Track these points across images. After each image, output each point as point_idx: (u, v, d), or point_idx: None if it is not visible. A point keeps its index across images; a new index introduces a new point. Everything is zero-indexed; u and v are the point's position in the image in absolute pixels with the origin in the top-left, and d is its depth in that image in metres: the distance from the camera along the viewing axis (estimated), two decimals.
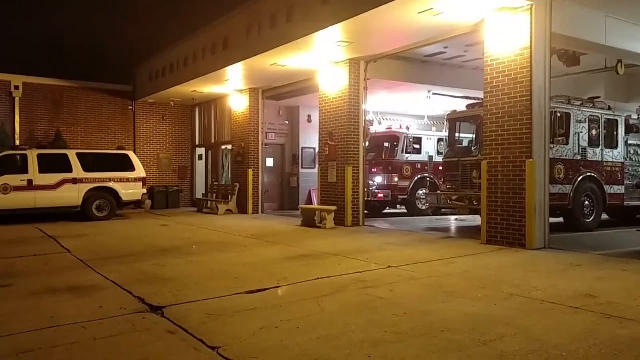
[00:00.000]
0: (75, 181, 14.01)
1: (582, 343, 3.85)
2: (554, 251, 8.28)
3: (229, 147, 18.26)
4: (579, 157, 11.01)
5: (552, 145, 9.57)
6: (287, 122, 18.50)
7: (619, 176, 11.87)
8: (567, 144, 10.78)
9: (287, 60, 12.49)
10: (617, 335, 4.06)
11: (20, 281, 6.33)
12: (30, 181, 13.40)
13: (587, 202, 11.25)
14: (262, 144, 16.86)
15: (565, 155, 10.75)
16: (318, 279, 6.29)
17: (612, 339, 3.95)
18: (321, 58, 12.24)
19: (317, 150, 15.19)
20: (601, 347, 3.78)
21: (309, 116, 18.12)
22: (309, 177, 17.63)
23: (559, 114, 10.42)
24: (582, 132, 11.10)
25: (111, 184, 14.54)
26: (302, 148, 18.35)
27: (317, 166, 14.54)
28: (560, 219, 11.20)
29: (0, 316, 4.78)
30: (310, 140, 17.71)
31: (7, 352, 3.80)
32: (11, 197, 13.12)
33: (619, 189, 11.83)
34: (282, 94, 16.20)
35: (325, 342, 3.95)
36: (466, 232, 11.58)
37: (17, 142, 16.96)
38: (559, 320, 4.50)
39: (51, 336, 4.17)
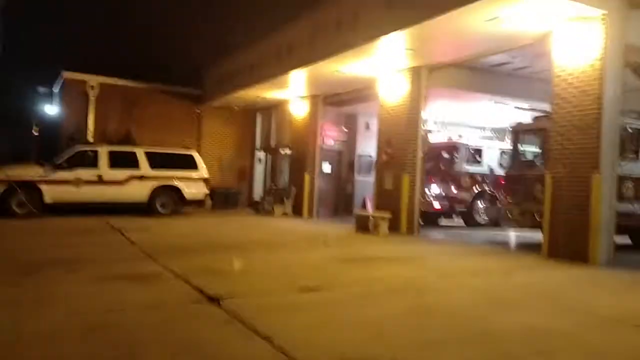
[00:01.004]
0: (142, 178, 14.64)
1: None
2: (618, 269, 7.92)
3: (288, 151, 18.56)
4: None
5: (621, 162, 9.17)
6: (345, 129, 18.59)
7: None
8: (638, 160, 10.28)
9: (348, 66, 12.59)
10: None
11: (87, 267, 6.69)
12: (100, 176, 14.11)
13: None
14: (320, 150, 17.02)
15: (636, 173, 10.25)
16: (370, 281, 6.31)
17: None
18: (383, 65, 12.26)
19: (373, 157, 15.17)
20: None
21: (367, 123, 18.14)
22: (364, 184, 17.60)
23: (630, 129, 9.96)
24: None
25: (176, 182, 15.09)
26: (359, 155, 18.38)
27: (372, 174, 14.52)
28: (627, 239, 10.68)
29: (69, 297, 5.10)
30: (367, 147, 17.71)
31: (74, 328, 4.06)
32: (82, 190, 13.85)
33: None
34: (341, 101, 16.31)
35: (377, 340, 3.97)
36: (527, 246, 11.24)
37: (90, 139, 17.92)
38: (621, 338, 4.33)
39: (114, 317, 4.42)
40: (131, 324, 4.25)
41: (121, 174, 14.37)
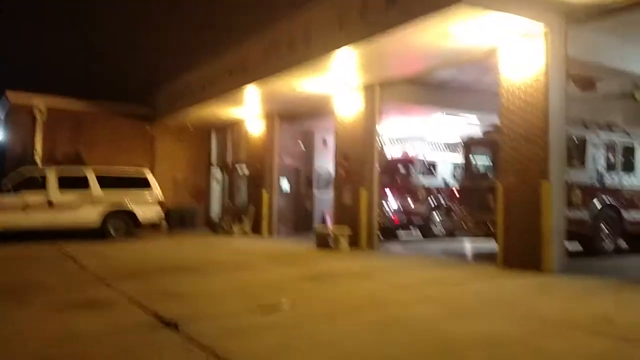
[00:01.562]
0: (93, 201, 14.21)
1: None
2: (570, 275, 8.16)
3: (245, 169, 18.43)
4: (596, 182, 10.92)
5: (568, 169, 9.53)
6: (302, 146, 18.63)
7: (637, 202, 11.72)
8: (584, 168, 10.72)
9: (303, 83, 12.66)
10: (634, 358, 4.00)
11: (37, 296, 6.41)
12: (49, 200, 13.62)
13: (604, 228, 11.11)
14: (278, 167, 16.98)
15: (582, 180, 10.66)
16: (332, 299, 6.29)
17: None
18: (337, 83, 12.40)
19: (331, 173, 15.25)
20: None
21: (324, 140, 18.24)
22: (323, 199, 17.64)
23: (575, 139, 10.38)
24: (599, 157, 11.03)
25: (129, 205, 14.71)
26: (317, 171, 18.44)
27: (331, 189, 14.58)
28: (578, 245, 11.05)
29: (18, 329, 4.85)
30: (325, 163, 17.79)
31: None
32: (31, 215, 13.32)
33: (636, 215, 11.67)
34: (298, 117, 16.38)
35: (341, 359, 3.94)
36: (482, 256, 11.49)
37: (38, 162, 17.30)
38: (575, 343, 4.44)
39: (68, 349, 4.23)
40: (83, 354, 4.08)
41: (71, 197, 13.92)
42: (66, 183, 14.03)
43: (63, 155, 18.08)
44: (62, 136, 18.32)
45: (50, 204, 13.57)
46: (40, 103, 17.88)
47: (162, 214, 15.46)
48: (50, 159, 17.65)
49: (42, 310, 5.66)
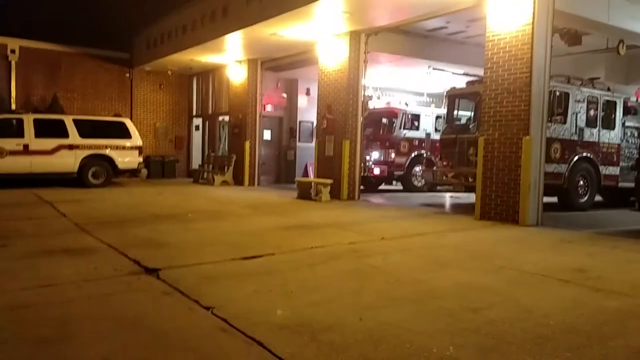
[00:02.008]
0: (71, 147, 13.97)
1: (569, 313, 3.93)
2: (546, 228, 8.36)
3: (227, 118, 18.18)
4: (575, 137, 11.03)
5: (549, 124, 9.59)
6: (285, 95, 18.39)
7: (615, 157, 11.91)
8: (565, 123, 10.79)
9: (287, 30, 12.36)
10: (604, 306, 4.14)
11: (15, 242, 6.34)
12: (26, 146, 13.35)
13: (581, 182, 11.31)
14: (260, 116, 16.79)
15: (562, 135, 10.76)
16: (312, 247, 6.35)
17: (599, 310, 4.03)
18: (321, 29, 12.12)
19: (314, 124, 15.14)
20: (588, 317, 3.85)
21: (308, 89, 18.02)
22: (306, 150, 17.60)
23: (557, 93, 10.40)
24: (580, 112, 11.09)
25: (107, 151, 14.49)
26: (300, 121, 18.29)
27: (314, 140, 14.51)
28: (555, 198, 11.27)
29: None
30: (309, 113, 17.64)
31: (2, 307, 3.84)
32: (6, 161, 13.06)
33: (614, 170, 11.88)
34: (281, 65, 16.07)
35: (317, 305, 4.01)
36: (461, 209, 11.67)
37: (13, 107, 16.83)
38: (548, 292, 4.57)
39: (46, 294, 4.22)
40: (63, 300, 4.07)
41: (49, 143, 13.64)
42: (44, 129, 13.72)
43: (39, 99, 17.59)
44: (38, 80, 17.76)
45: (26, 149, 13.30)
46: (12, 43, 17.20)
47: (141, 161, 15.28)
48: (26, 103, 17.17)
49: (19, 256, 5.61)
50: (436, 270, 5.28)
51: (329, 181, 12.32)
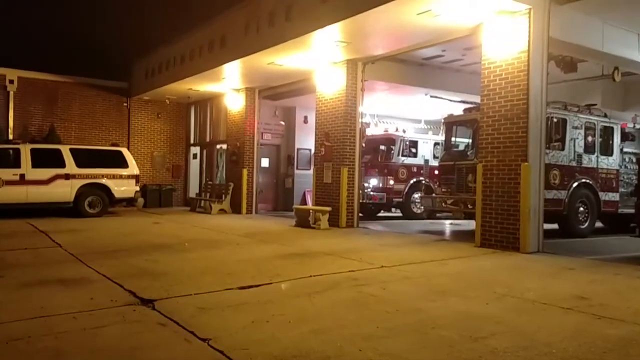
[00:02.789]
0: (67, 177, 13.92)
1: (572, 341, 3.84)
2: (547, 255, 8.28)
3: (224, 146, 18.20)
4: (574, 163, 11.03)
5: (547, 151, 9.60)
6: (283, 123, 18.47)
7: (614, 183, 11.90)
8: (563, 149, 10.81)
9: (284, 59, 12.47)
10: (606, 334, 4.06)
11: (11, 273, 6.26)
12: (22, 175, 13.31)
13: (581, 209, 11.27)
14: (258, 144, 16.82)
15: (561, 161, 10.76)
16: (311, 276, 6.26)
17: (601, 338, 3.94)
18: (319, 58, 12.23)
19: (312, 151, 15.16)
20: (590, 345, 3.77)
21: (305, 117, 18.09)
22: (304, 178, 17.58)
23: (555, 120, 10.45)
24: (578, 139, 11.12)
25: (104, 181, 14.45)
26: (298, 149, 18.31)
27: (312, 167, 14.50)
28: (555, 225, 11.20)
29: None
30: (306, 141, 17.66)
31: None
32: (2, 191, 13.00)
33: (613, 197, 11.85)
34: (278, 94, 16.17)
35: (316, 335, 3.92)
36: (460, 236, 11.60)
37: (10, 137, 16.85)
38: (550, 320, 4.49)
39: (41, 325, 4.13)
40: (58, 331, 3.98)
41: (45, 173, 13.61)
42: (40, 158, 13.70)
43: (36, 129, 17.63)
44: (35, 110, 17.83)
45: (22, 179, 13.25)
46: (11, 74, 17.32)
47: (138, 190, 15.23)
48: (23, 133, 17.20)
49: (14, 287, 5.52)
50: (436, 299, 5.20)
51: (328, 209, 12.26)
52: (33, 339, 3.78)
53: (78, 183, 14.03)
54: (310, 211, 12.73)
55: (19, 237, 9.96)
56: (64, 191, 13.84)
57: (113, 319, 4.35)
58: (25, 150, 13.59)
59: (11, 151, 13.55)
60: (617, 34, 10.15)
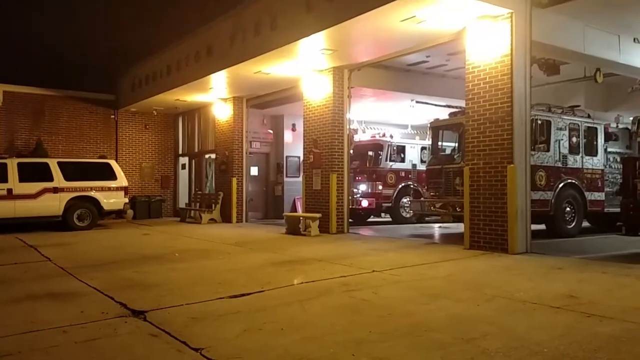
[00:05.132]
0: (55, 190, 13.83)
1: (562, 340, 3.89)
2: (536, 255, 8.36)
3: (213, 155, 18.19)
4: (559, 164, 11.17)
5: (533, 152, 9.71)
6: (271, 131, 18.50)
7: (599, 183, 12.06)
8: (548, 150, 10.94)
9: (271, 68, 12.52)
10: (597, 332, 4.12)
11: None
12: (9, 190, 13.19)
13: (568, 209, 11.40)
14: (247, 153, 16.82)
15: (546, 162, 10.90)
16: (302, 283, 6.28)
17: (592, 336, 4.00)
18: (305, 66, 12.29)
19: (301, 158, 15.19)
20: (581, 343, 3.82)
21: (294, 125, 18.14)
22: (294, 185, 17.60)
23: (539, 121, 10.59)
24: (562, 140, 11.27)
25: (92, 193, 14.36)
26: (287, 157, 18.34)
27: (301, 175, 14.53)
28: (543, 226, 11.31)
29: None
30: (295, 148, 17.71)
31: None
32: None
33: (599, 196, 12.01)
34: (266, 102, 16.20)
35: (309, 342, 3.94)
36: (450, 239, 11.67)
37: None
38: (541, 320, 4.54)
39: (31, 340, 4.11)
40: (49, 345, 3.96)
41: (33, 187, 13.50)
42: (28, 173, 13.60)
43: (23, 143, 17.51)
44: (22, 124, 17.70)
45: (10, 193, 13.14)
46: None
47: (127, 202, 15.16)
48: (9, 147, 17.06)
49: (3, 302, 5.48)
50: (428, 302, 5.23)
51: (318, 215, 12.29)
52: (23, 354, 3.76)
53: (66, 196, 13.94)
54: (301, 218, 12.75)
55: (8, 252, 9.87)
56: (53, 205, 13.74)
57: (104, 331, 4.34)
58: (12, 164, 13.49)
59: None
60: (598, 36, 10.31)
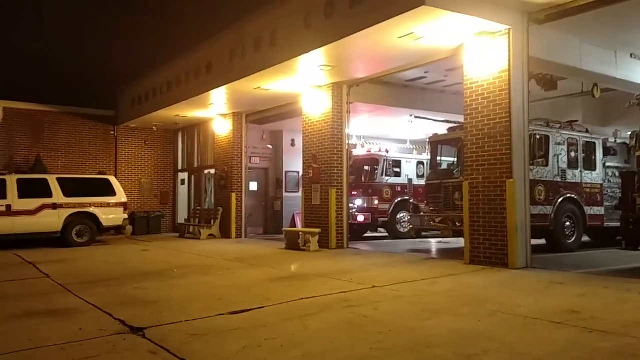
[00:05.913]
0: (55, 206, 13.81)
1: (564, 356, 3.87)
2: (536, 270, 8.34)
3: (212, 171, 18.21)
4: (558, 179, 11.19)
5: (531, 167, 9.73)
6: (270, 146, 18.54)
7: (599, 198, 12.06)
8: (547, 165, 10.97)
9: (270, 84, 12.59)
10: (598, 347, 4.09)
11: None
12: (9, 206, 13.18)
13: (568, 223, 11.39)
14: (246, 168, 16.84)
15: (545, 177, 10.91)
16: (302, 299, 6.25)
17: (593, 352, 3.98)
18: (304, 82, 12.37)
19: (300, 174, 15.21)
20: (583, 359, 3.81)
21: (293, 140, 18.19)
22: (293, 200, 17.60)
23: (538, 136, 10.62)
24: (561, 154, 11.30)
25: (92, 209, 14.34)
26: (286, 172, 18.37)
27: (300, 190, 14.53)
28: (543, 240, 11.29)
29: None
30: (294, 164, 17.74)
31: None
32: None
33: (598, 210, 12.01)
34: (265, 117, 16.27)
35: (309, 359, 3.91)
36: (449, 254, 11.63)
37: None
38: (542, 335, 4.52)
39: (29, 358, 4.09)
40: None
41: (32, 203, 13.48)
42: (27, 189, 13.58)
43: (23, 159, 17.52)
44: (22, 140, 17.74)
45: (9, 209, 13.12)
46: None
47: (126, 217, 15.13)
48: (9, 163, 17.07)
49: (1, 319, 5.44)
50: (429, 318, 5.21)
51: (317, 230, 12.27)
52: None
53: (65, 212, 13.91)
54: (300, 233, 12.72)
55: (6, 269, 9.82)
56: (52, 221, 13.71)
57: (103, 348, 4.31)
58: (12, 180, 13.49)
59: None
60: (594, 51, 10.40)
